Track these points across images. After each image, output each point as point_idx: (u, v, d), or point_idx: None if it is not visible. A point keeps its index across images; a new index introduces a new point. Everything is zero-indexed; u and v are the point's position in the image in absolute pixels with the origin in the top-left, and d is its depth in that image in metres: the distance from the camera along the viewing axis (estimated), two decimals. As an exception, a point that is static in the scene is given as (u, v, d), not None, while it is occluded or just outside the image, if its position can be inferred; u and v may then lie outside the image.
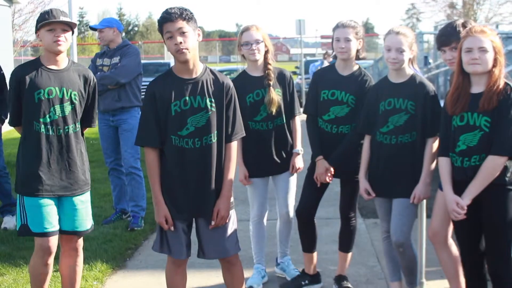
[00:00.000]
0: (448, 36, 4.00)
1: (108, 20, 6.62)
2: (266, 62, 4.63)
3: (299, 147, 4.74)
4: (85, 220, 4.05)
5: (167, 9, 3.49)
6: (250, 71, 4.69)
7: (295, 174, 4.80)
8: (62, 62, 3.92)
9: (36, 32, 3.91)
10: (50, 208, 3.87)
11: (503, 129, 3.45)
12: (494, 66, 3.50)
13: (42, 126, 3.82)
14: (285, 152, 4.71)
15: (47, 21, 3.78)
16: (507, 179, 3.50)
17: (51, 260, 3.95)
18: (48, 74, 3.85)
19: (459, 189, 3.60)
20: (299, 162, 4.74)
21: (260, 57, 4.60)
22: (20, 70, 3.88)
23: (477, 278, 3.75)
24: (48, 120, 3.83)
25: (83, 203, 4.03)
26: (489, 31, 3.55)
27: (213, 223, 3.63)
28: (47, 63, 3.88)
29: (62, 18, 3.82)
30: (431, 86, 4.10)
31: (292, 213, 4.80)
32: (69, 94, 3.88)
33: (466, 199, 3.56)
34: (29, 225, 3.85)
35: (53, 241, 3.91)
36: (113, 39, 6.48)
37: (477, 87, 3.57)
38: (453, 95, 3.63)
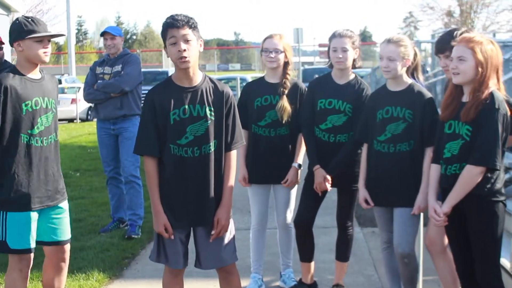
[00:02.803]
0: (444, 44, 4.02)
1: (118, 29, 6.66)
2: (285, 72, 4.66)
3: (299, 161, 4.71)
4: (67, 230, 4.00)
5: (173, 15, 3.49)
6: (267, 78, 4.72)
7: (296, 186, 4.78)
8: (38, 71, 3.86)
9: (15, 41, 3.75)
10: (33, 224, 3.80)
11: (481, 139, 3.44)
12: (476, 76, 3.46)
13: (31, 138, 3.73)
14: (286, 163, 4.68)
15: (40, 35, 3.72)
16: (486, 190, 3.48)
17: (28, 273, 3.90)
18: (32, 85, 3.77)
19: (444, 196, 3.62)
20: (294, 176, 4.68)
21: (276, 66, 4.62)
22: (5, 80, 3.70)
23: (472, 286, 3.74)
24: (36, 131, 3.75)
25: (65, 211, 3.99)
26: (478, 39, 3.49)
27: (213, 232, 3.61)
28: (27, 73, 3.79)
29: (50, 31, 3.80)
30: (429, 96, 4.10)
31: (290, 222, 4.78)
32: (50, 103, 3.83)
33: (445, 206, 3.58)
34: (7, 242, 3.75)
35: (32, 255, 3.87)
36: (120, 48, 6.53)
37: (466, 96, 3.57)
38: (446, 102, 3.65)
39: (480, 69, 3.46)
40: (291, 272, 4.92)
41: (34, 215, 3.80)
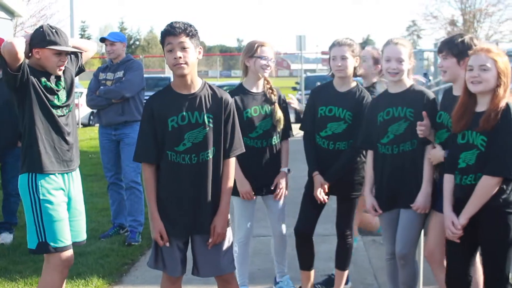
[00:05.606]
0: (444, 43, 3.99)
1: (119, 34, 6.65)
2: (266, 80, 4.63)
3: (288, 166, 4.67)
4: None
5: (172, 23, 3.50)
6: (249, 87, 4.61)
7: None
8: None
9: (35, 47, 3.82)
10: (65, 222, 3.89)
11: (498, 150, 3.43)
12: (498, 85, 3.48)
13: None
14: (277, 172, 4.65)
15: (60, 48, 3.81)
16: (501, 200, 3.46)
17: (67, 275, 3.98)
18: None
19: (458, 207, 3.60)
20: (283, 181, 4.64)
21: (267, 75, 4.60)
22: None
23: None
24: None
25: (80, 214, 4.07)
26: (495, 50, 3.54)
27: (210, 240, 3.61)
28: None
29: (71, 44, 3.92)
30: (430, 93, 4.10)
31: (285, 231, 4.76)
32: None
33: (462, 218, 3.55)
34: (48, 242, 3.82)
35: (72, 252, 3.96)
36: (121, 53, 6.53)
37: (480, 106, 3.56)
38: (458, 113, 3.63)
39: (502, 79, 3.48)
40: (289, 278, 4.89)
41: (64, 215, 3.87)
